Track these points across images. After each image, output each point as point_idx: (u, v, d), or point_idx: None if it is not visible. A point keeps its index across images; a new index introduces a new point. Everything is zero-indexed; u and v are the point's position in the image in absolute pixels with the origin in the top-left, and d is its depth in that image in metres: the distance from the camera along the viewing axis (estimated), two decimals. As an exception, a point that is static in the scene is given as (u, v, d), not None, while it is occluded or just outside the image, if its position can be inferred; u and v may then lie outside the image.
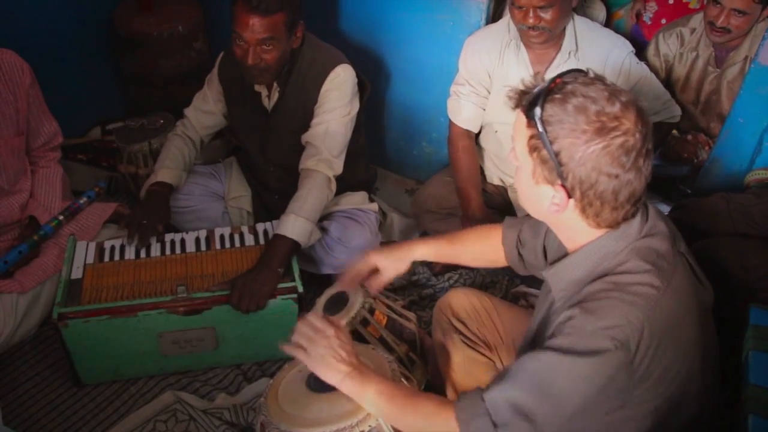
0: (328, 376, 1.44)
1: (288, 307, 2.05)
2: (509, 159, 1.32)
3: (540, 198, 1.25)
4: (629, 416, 1.27)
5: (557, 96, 1.17)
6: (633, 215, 1.25)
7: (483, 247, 1.76)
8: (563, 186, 1.19)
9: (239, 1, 1.99)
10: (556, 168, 1.18)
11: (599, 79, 1.20)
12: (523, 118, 1.22)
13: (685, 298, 1.26)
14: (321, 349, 1.45)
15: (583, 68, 1.25)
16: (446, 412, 1.31)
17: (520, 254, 1.66)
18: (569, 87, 1.18)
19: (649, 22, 3.07)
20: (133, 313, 1.97)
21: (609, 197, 1.19)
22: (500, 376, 1.29)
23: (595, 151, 1.14)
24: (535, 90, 1.21)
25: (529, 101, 1.20)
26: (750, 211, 1.91)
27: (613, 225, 1.25)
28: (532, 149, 1.20)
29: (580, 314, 1.20)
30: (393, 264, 1.76)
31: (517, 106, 1.24)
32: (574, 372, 1.18)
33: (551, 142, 1.17)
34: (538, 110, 1.17)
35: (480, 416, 1.26)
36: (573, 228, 1.28)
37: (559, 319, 1.24)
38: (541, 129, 1.17)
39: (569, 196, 1.20)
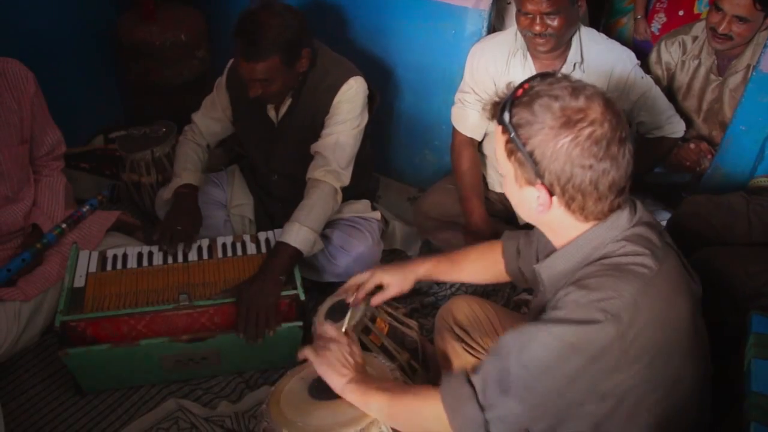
0: (333, 380, 1.48)
1: (292, 331, 2.06)
2: (498, 170, 1.35)
3: (527, 201, 1.28)
4: (620, 409, 1.26)
5: (524, 99, 1.21)
6: (620, 206, 1.26)
7: (485, 263, 1.77)
8: (543, 184, 1.22)
9: (236, 39, 2.02)
10: (532, 168, 1.21)
11: (565, 77, 1.24)
12: (499, 127, 1.26)
13: (677, 284, 1.27)
14: (330, 354, 1.51)
15: (551, 71, 1.29)
16: (435, 398, 1.32)
17: (519, 265, 1.67)
18: (535, 89, 1.22)
19: (658, 33, 3.09)
20: (135, 343, 1.97)
21: (589, 189, 1.21)
22: (491, 351, 1.30)
23: (564, 145, 1.17)
24: (504, 99, 1.26)
25: (500, 109, 1.25)
26: None
27: (601, 217, 1.26)
28: (509, 153, 1.24)
29: (574, 290, 1.22)
30: (398, 282, 1.79)
31: (493, 117, 1.28)
32: (563, 340, 1.18)
33: (524, 144, 1.20)
34: (507, 115, 1.22)
35: (467, 399, 1.26)
36: (563, 225, 1.30)
37: (555, 297, 1.26)
38: (512, 133, 1.21)
39: (551, 194, 1.23)
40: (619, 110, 1.21)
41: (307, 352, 1.54)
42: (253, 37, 1.99)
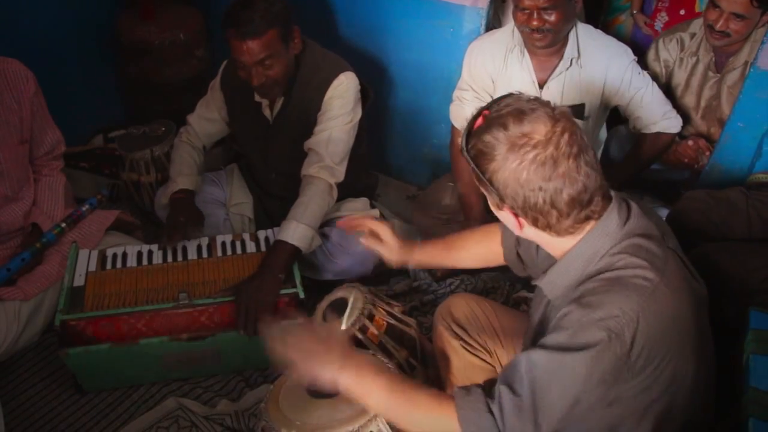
0: (323, 374, 1.36)
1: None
2: None
3: (505, 221, 1.34)
4: (626, 412, 1.28)
5: (479, 130, 1.26)
6: (589, 217, 1.26)
7: (481, 248, 1.78)
8: (507, 207, 1.27)
9: (229, 29, 2.02)
10: (495, 193, 1.26)
11: (517, 99, 1.27)
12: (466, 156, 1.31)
13: (679, 291, 1.28)
14: (300, 351, 1.38)
15: (508, 93, 1.31)
16: (446, 409, 1.32)
17: (518, 254, 1.67)
18: (489, 117, 1.25)
19: (660, 31, 3.08)
20: (135, 342, 1.98)
21: (546, 208, 1.23)
22: (502, 378, 1.30)
23: (512, 170, 1.21)
24: (466, 129, 1.30)
25: (461, 140, 1.30)
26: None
27: (573, 231, 1.28)
28: (478, 181, 1.29)
29: (576, 309, 1.23)
30: (396, 247, 1.76)
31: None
32: (571, 369, 1.20)
33: (483, 173, 1.25)
34: (464, 148, 1.28)
35: (484, 420, 1.27)
36: (545, 241, 1.34)
37: (557, 316, 1.27)
38: (472, 165, 1.27)
39: (516, 216, 1.28)
40: (570, 126, 1.22)
41: (282, 364, 1.39)
42: (248, 15, 1.99)
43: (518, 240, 1.66)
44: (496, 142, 1.22)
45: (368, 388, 1.36)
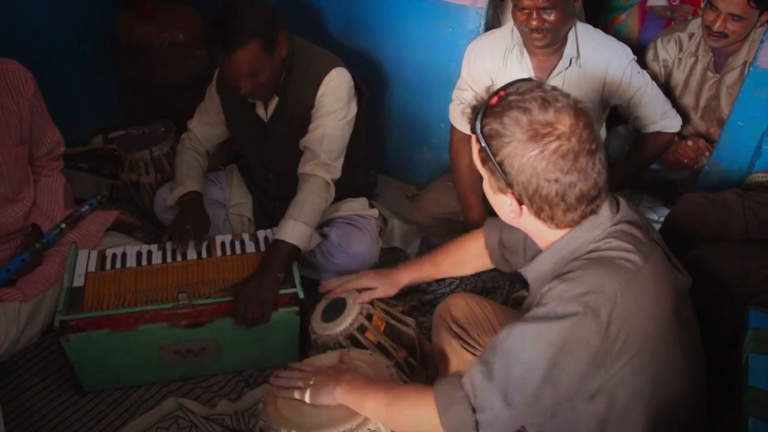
0: (324, 399, 1.51)
1: (290, 318, 2.06)
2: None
3: (500, 205, 1.32)
4: (611, 406, 1.27)
5: (497, 110, 1.23)
6: (593, 212, 1.27)
7: (466, 255, 1.81)
8: (513, 193, 1.25)
9: (215, 42, 2.04)
10: (502, 177, 1.24)
11: (539, 86, 1.25)
12: (473, 134, 1.28)
13: (662, 279, 1.28)
14: (305, 383, 1.56)
15: (528, 77, 1.30)
16: (427, 398, 1.33)
17: (503, 255, 1.69)
18: (508, 99, 1.23)
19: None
20: (135, 327, 1.98)
21: (556, 200, 1.23)
22: (478, 356, 1.31)
23: (530, 158, 1.19)
24: (480, 105, 1.27)
25: (473, 117, 1.27)
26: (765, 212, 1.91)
27: (572, 225, 1.28)
28: (482, 161, 1.28)
29: (558, 284, 1.24)
30: (384, 286, 1.86)
31: (470, 122, 1.30)
32: (543, 338, 1.20)
33: (494, 154, 1.23)
34: (478, 125, 1.24)
35: (458, 401, 1.28)
36: (537, 231, 1.33)
37: (541, 292, 1.28)
38: (483, 143, 1.24)
39: (520, 203, 1.26)
40: (591, 122, 1.23)
41: (291, 393, 1.58)
42: (229, 27, 1.99)
43: (502, 241, 1.68)
44: (517, 126, 1.20)
45: (362, 401, 1.45)
